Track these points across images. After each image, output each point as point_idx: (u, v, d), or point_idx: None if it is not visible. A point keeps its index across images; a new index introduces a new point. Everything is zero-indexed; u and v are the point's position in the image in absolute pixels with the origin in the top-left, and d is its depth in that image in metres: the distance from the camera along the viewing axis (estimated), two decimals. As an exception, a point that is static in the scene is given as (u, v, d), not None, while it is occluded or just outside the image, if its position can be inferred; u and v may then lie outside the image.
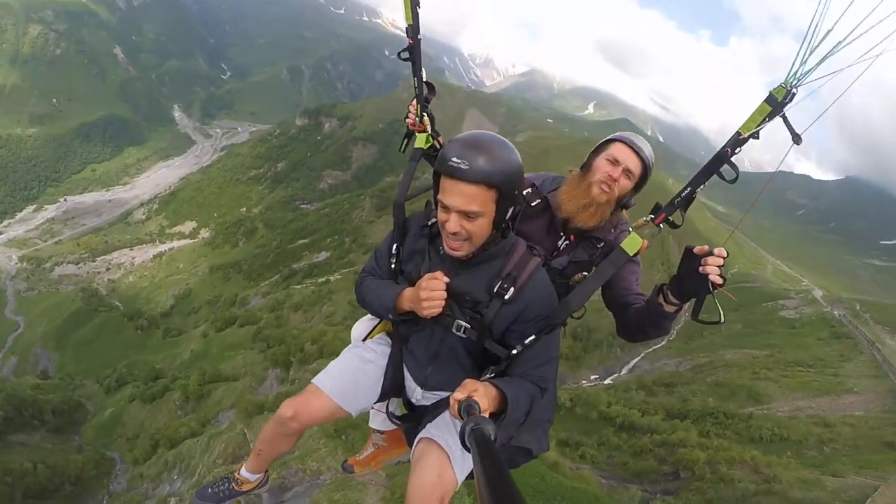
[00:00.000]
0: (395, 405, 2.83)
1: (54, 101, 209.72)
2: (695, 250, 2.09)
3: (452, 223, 2.06)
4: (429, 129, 2.82)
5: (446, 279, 2.20)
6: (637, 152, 2.68)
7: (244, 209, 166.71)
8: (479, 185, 1.95)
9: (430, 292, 2.17)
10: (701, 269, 2.04)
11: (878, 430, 25.85)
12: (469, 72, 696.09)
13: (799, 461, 22.47)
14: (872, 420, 27.95)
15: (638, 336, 2.60)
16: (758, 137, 2.02)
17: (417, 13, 2.67)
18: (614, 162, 2.68)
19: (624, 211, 2.82)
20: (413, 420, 2.59)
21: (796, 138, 1.96)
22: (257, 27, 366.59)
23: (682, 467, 21.57)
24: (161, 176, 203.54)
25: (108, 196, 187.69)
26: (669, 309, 2.27)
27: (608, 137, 2.80)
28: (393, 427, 3.02)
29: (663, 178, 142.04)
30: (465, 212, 2.02)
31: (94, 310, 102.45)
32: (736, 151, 2.09)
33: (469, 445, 1.39)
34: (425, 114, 2.82)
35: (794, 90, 1.89)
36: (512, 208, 2.11)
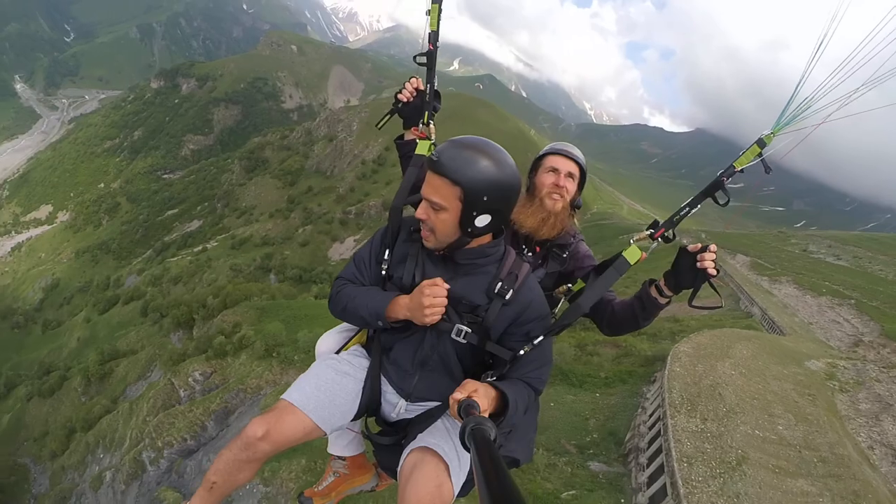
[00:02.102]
0: (363, 425, 2.69)
1: None
2: (689, 248, 2.36)
3: (420, 209, 2.12)
4: (433, 137, 2.80)
5: (447, 285, 2.16)
6: (570, 157, 2.87)
7: (102, 185, 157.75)
8: (442, 178, 2.00)
9: (433, 299, 2.11)
10: (699, 263, 2.29)
11: (720, 321, 29.93)
12: (332, 27, 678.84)
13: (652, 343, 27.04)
14: (715, 315, 32.06)
15: (627, 329, 2.69)
16: (742, 171, 2.40)
17: (440, 19, 2.77)
18: (554, 171, 2.84)
19: (573, 217, 2.96)
20: (394, 435, 2.44)
21: (768, 170, 2.33)
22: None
23: (557, 354, 26.02)
24: (7, 159, 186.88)
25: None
26: (663, 301, 2.48)
27: (539, 153, 2.98)
28: (356, 452, 2.95)
29: (525, 129, 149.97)
30: (430, 201, 2.07)
31: None
32: (729, 180, 2.39)
33: (469, 445, 1.38)
34: (431, 122, 2.83)
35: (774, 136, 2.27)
36: (485, 216, 2.08)
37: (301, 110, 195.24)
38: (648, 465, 12.32)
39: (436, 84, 2.85)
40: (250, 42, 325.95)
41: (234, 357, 31.26)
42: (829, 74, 2.00)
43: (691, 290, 2.41)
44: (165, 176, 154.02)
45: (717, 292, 2.45)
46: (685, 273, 2.36)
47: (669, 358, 14.98)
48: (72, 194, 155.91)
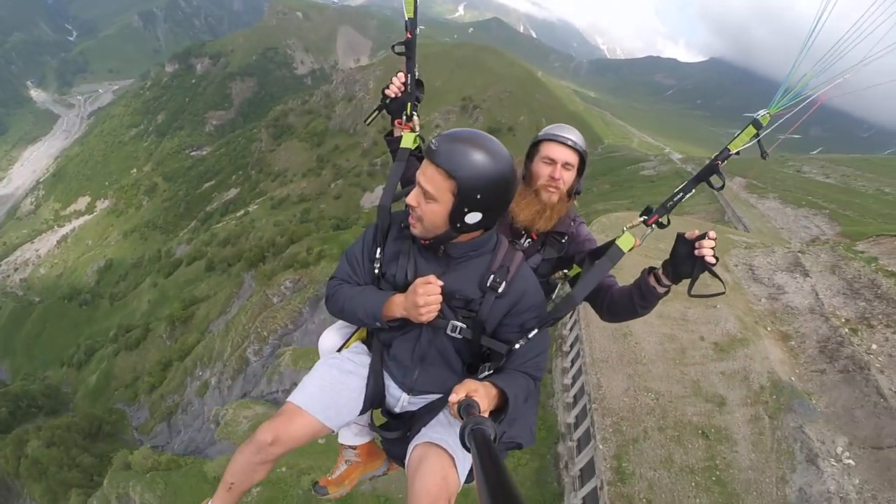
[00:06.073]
0: (369, 418, 2.71)
1: None
2: (686, 236, 2.23)
3: (412, 195, 2.09)
4: (417, 128, 2.74)
5: (440, 282, 2.13)
6: (567, 144, 2.71)
7: (134, 170, 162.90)
8: (437, 169, 1.97)
9: (427, 297, 2.09)
10: (697, 251, 2.19)
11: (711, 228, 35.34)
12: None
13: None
14: (703, 224, 36.90)
15: (625, 316, 2.59)
16: (738, 154, 2.28)
17: (417, 6, 2.61)
18: (550, 161, 2.71)
19: (572, 201, 2.86)
20: (400, 428, 2.45)
21: (765, 155, 2.25)
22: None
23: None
24: (35, 160, 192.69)
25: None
26: (661, 290, 2.38)
27: (535, 139, 2.82)
28: (365, 440, 2.97)
29: (533, 71, 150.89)
30: (422, 189, 2.04)
31: (28, 304, 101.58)
32: (723, 163, 2.28)
33: (469, 445, 1.38)
34: (415, 113, 2.75)
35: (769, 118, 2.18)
36: (476, 213, 2.03)
37: (314, 74, 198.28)
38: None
39: (416, 73, 2.76)
40: (251, 13, 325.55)
41: (316, 265, 37.02)
42: (830, 48, 1.97)
43: (690, 279, 2.29)
44: (193, 153, 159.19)
45: (719, 279, 2.23)
46: (683, 261, 2.27)
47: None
48: (107, 183, 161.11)
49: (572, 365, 15.75)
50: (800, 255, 18.67)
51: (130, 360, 60.24)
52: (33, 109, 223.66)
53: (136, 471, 21.11)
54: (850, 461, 10.09)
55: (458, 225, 2.07)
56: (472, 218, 2.05)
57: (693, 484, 10.01)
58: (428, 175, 2.01)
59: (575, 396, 14.50)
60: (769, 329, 14.61)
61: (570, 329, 17.53)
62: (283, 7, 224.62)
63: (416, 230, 2.17)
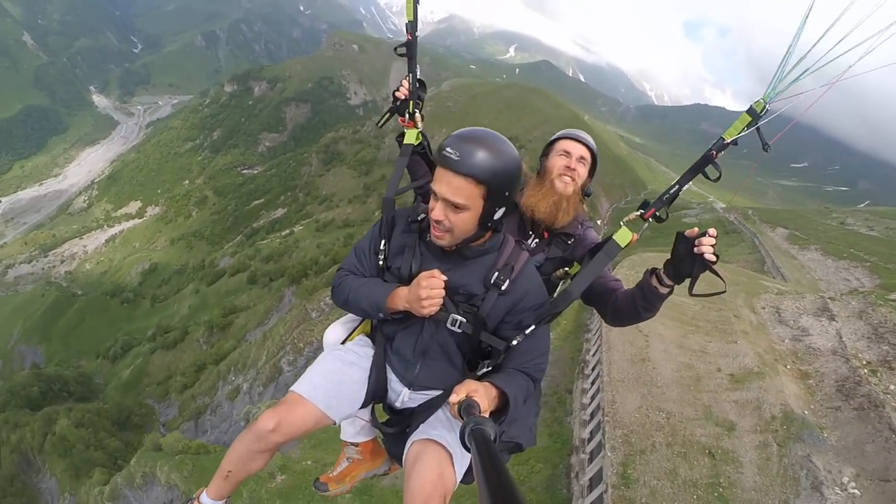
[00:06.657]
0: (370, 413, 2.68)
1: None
2: (686, 234, 2.23)
3: (437, 211, 2.06)
4: (420, 125, 2.83)
5: (444, 277, 2.17)
6: (581, 141, 2.84)
7: (187, 182, 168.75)
8: (466, 179, 1.95)
9: (430, 290, 2.12)
10: (696, 249, 2.18)
11: (745, 275, 32.64)
12: (387, 21, 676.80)
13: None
14: (741, 270, 35.47)
15: (631, 320, 2.60)
16: (737, 144, 2.27)
17: (417, 9, 2.72)
18: (566, 154, 2.81)
19: (583, 203, 2.91)
20: (400, 424, 2.47)
21: (766, 147, 2.21)
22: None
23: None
24: (91, 161, 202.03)
25: (43, 190, 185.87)
26: (664, 291, 2.38)
27: (551, 139, 2.93)
28: (367, 438, 2.98)
29: (580, 114, 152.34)
30: (450, 202, 2.01)
31: (71, 296, 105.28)
32: (720, 154, 2.29)
33: (469, 445, 1.38)
34: (417, 111, 2.84)
35: (768, 106, 2.14)
36: (501, 209, 2.10)
37: (366, 105, 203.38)
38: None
39: (418, 73, 2.85)
40: (309, 42, 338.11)
41: (359, 284, 38.32)
42: (823, 32, 1.82)
43: (690, 279, 2.28)
44: (245, 171, 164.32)
45: (720, 277, 2.21)
46: (683, 260, 2.26)
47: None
48: (159, 191, 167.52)
49: (592, 385, 16.19)
50: (829, 301, 18.75)
51: (166, 359, 62.12)
52: (94, 113, 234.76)
53: (166, 452, 21.96)
54: (856, 491, 10.27)
55: (489, 224, 2.13)
56: (500, 214, 2.11)
57: (695, 497, 10.32)
58: (455, 187, 1.98)
59: (591, 413, 14.97)
60: (788, 367, 14.83)
61: (594, 354, 17.95)
62: (341, 39, 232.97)
63: (445, 241, 2.16)
